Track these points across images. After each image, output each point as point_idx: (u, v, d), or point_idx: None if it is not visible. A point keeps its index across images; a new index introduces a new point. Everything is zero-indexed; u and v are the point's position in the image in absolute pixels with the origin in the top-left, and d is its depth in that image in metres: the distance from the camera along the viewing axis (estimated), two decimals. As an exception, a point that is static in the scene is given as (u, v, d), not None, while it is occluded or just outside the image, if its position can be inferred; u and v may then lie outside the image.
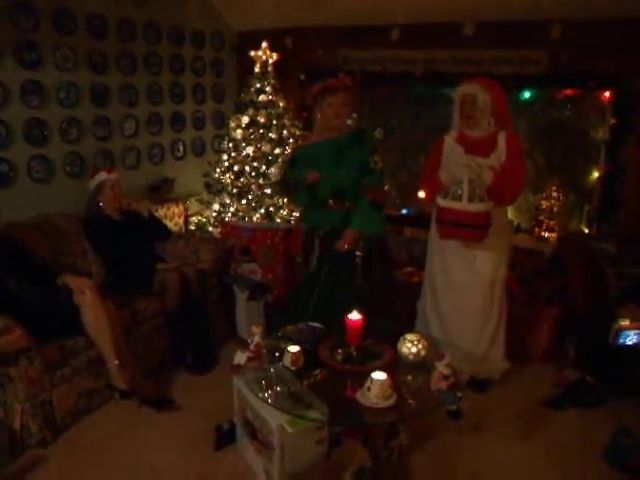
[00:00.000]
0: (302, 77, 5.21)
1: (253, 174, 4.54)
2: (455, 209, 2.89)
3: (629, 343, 2.70)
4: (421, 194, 3.42)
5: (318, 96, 3.14)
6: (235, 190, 4.60)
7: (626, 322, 2.69)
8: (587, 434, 2.88)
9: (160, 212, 4.67)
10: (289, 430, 2.29)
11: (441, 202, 2.97)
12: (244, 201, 4.55)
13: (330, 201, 3.21)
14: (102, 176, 3.64)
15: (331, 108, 3.11)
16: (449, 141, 3.11)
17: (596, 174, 4.41)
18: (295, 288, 3.56)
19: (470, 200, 2.85)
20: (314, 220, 3.32)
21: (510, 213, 4.58)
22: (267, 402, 2.29)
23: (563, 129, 4.55)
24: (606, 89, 4.18)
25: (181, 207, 4.99)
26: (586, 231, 4.48)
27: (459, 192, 2.87)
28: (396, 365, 2.49)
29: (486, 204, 2.89)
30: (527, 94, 4.48)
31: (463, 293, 3.11)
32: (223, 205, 4.67)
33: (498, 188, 2.92)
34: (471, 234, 2.93)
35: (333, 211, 3.22)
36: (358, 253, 3.16)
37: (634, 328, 2.67)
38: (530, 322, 3.63)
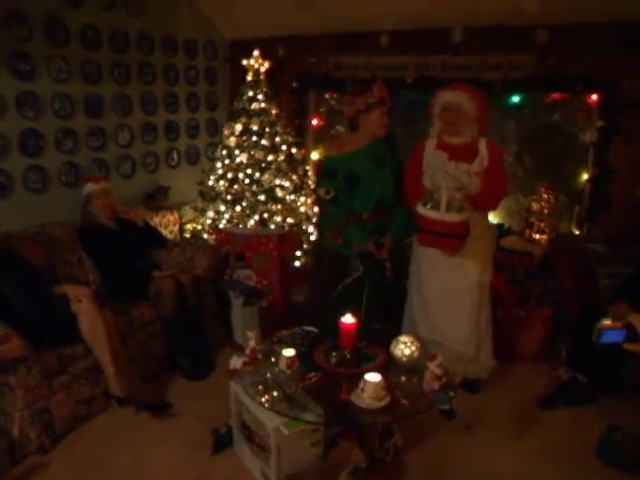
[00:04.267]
0: (294, 84, 5.26)
1: (247, 181, 4.57)
2: (432, 218, 2.90)
3: (611, 342, 2.74)
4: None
5: (367, 107, 3.14)
6: (229, 197, 4.62)
7: (608, 321, 2.73)
8: (580, 432, 2.93)
9: (155, 220, 4.69)
10: (285, 432, 2.33)
11: (420, 210, 2.97)
12: (238, 208, 4.57)
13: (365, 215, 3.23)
14: (89, 187, 3.72)
15: (382, 118, 3.17)
16: (429, 147, 3.12)
17: (585, 176, 4.45)
18: (340, 291, 3.41)
19: (448, 210, 2.86)
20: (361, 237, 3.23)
21: (500, 216, 4.67)
22: (263, 405, 2.32)
23: (552, 132, 4.58)
24: (593, 92, 4.23)
25: (176, 215, 5.02)
26: (576, 232, 4.52)
27: (437, 201, 2.86)
28: (390, 367, 2.52)
29: (463, 214, 2.88)
30: (515, 98, 4.51)
31: (453, 297, 3.14)
32: (217, 212, 4.69)
33: (484, 194, 2.96)
34: (449, 243, 2.95)
35: (369, 223, 3.23)
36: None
37: (615, 327, 2.71)
38: (522, 323, 3.68)
